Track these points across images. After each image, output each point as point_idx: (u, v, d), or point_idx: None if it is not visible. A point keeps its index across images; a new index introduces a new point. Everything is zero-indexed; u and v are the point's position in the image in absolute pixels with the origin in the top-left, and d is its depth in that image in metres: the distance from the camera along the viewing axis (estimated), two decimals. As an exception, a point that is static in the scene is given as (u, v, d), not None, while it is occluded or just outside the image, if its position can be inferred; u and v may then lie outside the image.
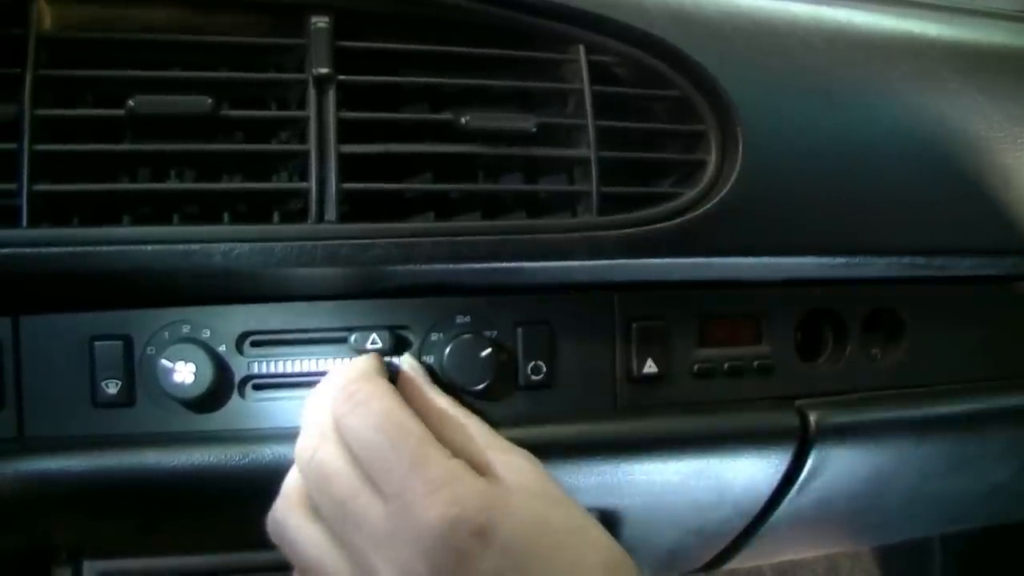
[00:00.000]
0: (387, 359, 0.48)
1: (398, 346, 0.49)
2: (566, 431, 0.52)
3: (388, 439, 0.40)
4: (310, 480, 0.42)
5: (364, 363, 0.46)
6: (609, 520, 0.60)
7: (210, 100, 0.45)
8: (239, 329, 0.48)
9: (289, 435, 0.48)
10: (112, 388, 0.46)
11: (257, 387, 0.49)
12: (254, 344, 0.49)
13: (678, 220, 0.50)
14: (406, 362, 0.48)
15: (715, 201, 0.51)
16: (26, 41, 0.44)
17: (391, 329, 0.49)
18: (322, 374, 0.48)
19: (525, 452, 0.44)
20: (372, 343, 0.49)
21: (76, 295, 0.46)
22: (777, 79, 0.54)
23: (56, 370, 0.47)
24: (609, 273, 0.51)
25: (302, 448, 0.43)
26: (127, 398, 0.47)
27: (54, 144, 0.44)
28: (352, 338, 0.49)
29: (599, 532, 0.42)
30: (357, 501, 0.40)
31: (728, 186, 0.51)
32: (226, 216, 0.47)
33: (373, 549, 0.39)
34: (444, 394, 0.47)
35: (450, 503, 0.38)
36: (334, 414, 0.42)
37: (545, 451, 0.52)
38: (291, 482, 0.44)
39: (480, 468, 0.41)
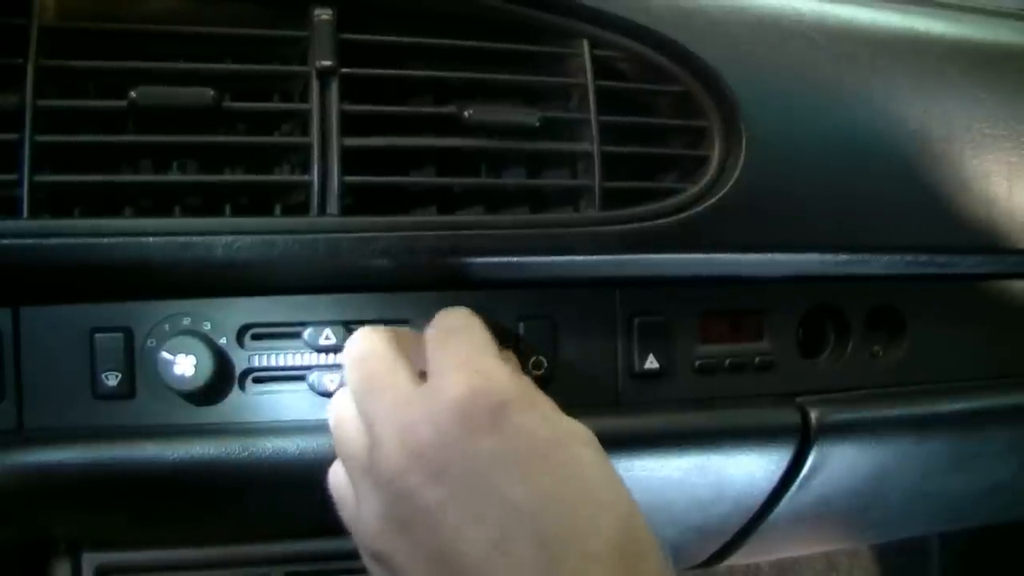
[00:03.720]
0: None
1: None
2: (567, 426, 0.52)
3: (450, 340, 0.43)
4: (353, 362, 0.43)
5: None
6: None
7: (212, 92, 0.45)
8: (240, 322, 0.48)
9: (289, 428, 0.48)
10: (112, 380, 0.46)
11: (257, 380, 0.49)
12: (255, 337, 0.48)
13: (680, 216, 0.50)
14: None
15: (718, 197, 0.51)
16: (28, 31, 0.44)
17: (346, 324, 0.49)
18: (322, 367, 0.48)
19: None
20: (326, 338, 0.49)
21: (77, 287, 0.46)
22: (781, 75, 0.54)
23: (56, 362, 0.46)
24: (611, 268, 0.51)
25: (351, 339, 0.44)
26: (127, 390, 0.47)
27: (56, 135, 0.44)
28: (306, 333, 0.49)
29: (622, 488, 0.41)
30: (387, 376, 0.41)
31: (731, 182, 0.51)
32: (228, 209, 0.47)
33: (385, 416, 0.40)
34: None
35: (477, 375, 0.39)
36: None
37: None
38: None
39: None
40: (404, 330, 0.47)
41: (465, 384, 0.39)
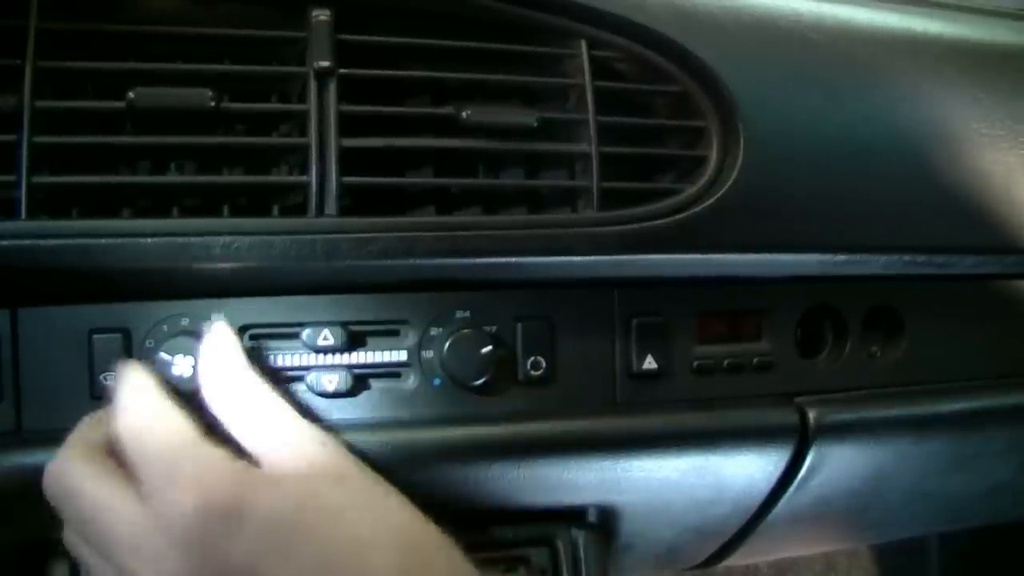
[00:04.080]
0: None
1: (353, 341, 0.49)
2: (565, 427, 0.52)
3: (150, 442, 0.40)
4: (59, 501, 0.42)
5: (135, 374, 0.44)
6: (607, 516, 0.60)
7: (211, 93, 0.45)
8: (238, 322, 0.48)
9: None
10: (111, 381, 0.46)
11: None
12: (253, 338, 0.48)
13: (678, 216, 0.50)
14: (216, 332, 0.45)
15: (716, 197, 0.51)
16: (26, 32, 0.44)
17: (344, 324, 0.48)
18: (320, 368, 0.48)
19: (314, 430, 0.44)
20: (324, 339, 0.48)
21: (75, 288, 0.46)
22: (779, 75, 0.54)
23: (54, 363, 0.46)
24: (609, 269, 0.51)
25: (48, 472, 0.42)
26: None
27: (54, 136, 0.44)
28: (304, 334, 0.48)
29: (394, 505, 0.41)
30: (109, 511, 0.40)
31: (729, 182, 0.51)
32: (226, 209, 0.47)
33: (130, 552, 0.39)
34: (248, 368, 0.45)
35: (196, 491, 0.38)
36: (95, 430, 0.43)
37: (544, 447, 0.52)
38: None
39: (252, 451, 0.42)
40: (96, 433, 0.43)
41: (188, 505, 0.38)
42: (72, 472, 0.41)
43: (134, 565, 0.39)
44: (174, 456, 0.40)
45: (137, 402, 0.42)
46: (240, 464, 0.40)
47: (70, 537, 0.43)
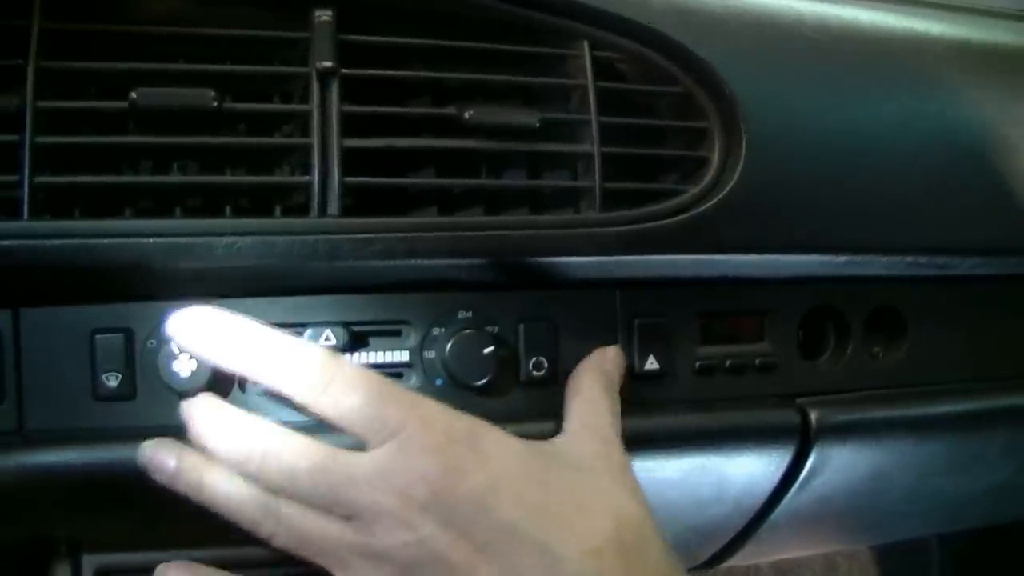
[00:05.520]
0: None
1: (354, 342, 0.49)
2: (567, 427, 0.52)
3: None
4: (283, 466, 0.41)
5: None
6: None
7: (213, 93, 0.45)
8: (240, 323, 0.48)
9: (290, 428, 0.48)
10: (113, 381, 0.46)
11: (258, 381, 0.49)
12: (255, 338, 0.48)
13: (681, 217, 0.50)
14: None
15: (718, 198, 0.51)
16: (29, 32, 0.44)
17: (346, 325, 0.48)
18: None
19: None
20: (326, 339, 0.48)
21: (77, 288, 0.46)
22: (781, 76, 0.54)
23: (57, 363, 0.46)
24: (611, 269, 0.51)
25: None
26: (128, 391, 0.47)
27: (56, 136, 0.44)
28: (306, 334, 0.48)
29: (611, 482, 0.43)
30: (339, 457, 0.40)
31: (731, 183, 0.51)
32: (228, 209, 0.47)
33: (367, 490, 0.39)
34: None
35: (439, 414, 0.40)
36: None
37: (546, 447, 0.52)
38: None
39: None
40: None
41: (431, 431, 0.39)
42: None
43: (379, 500, 0.39)
44: (407, 399, 0.41)
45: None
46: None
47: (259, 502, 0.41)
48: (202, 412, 0.43)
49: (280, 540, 0.41)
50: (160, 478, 0.43)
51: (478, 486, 0.38)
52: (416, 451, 0.39)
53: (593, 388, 0.48)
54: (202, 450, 0.42)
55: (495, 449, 0.40)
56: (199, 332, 0.42)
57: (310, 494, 0.40)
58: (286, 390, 0.41)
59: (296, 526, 0.40)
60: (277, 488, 0.41)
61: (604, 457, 0.45)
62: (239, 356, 0.42)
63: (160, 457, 0.43)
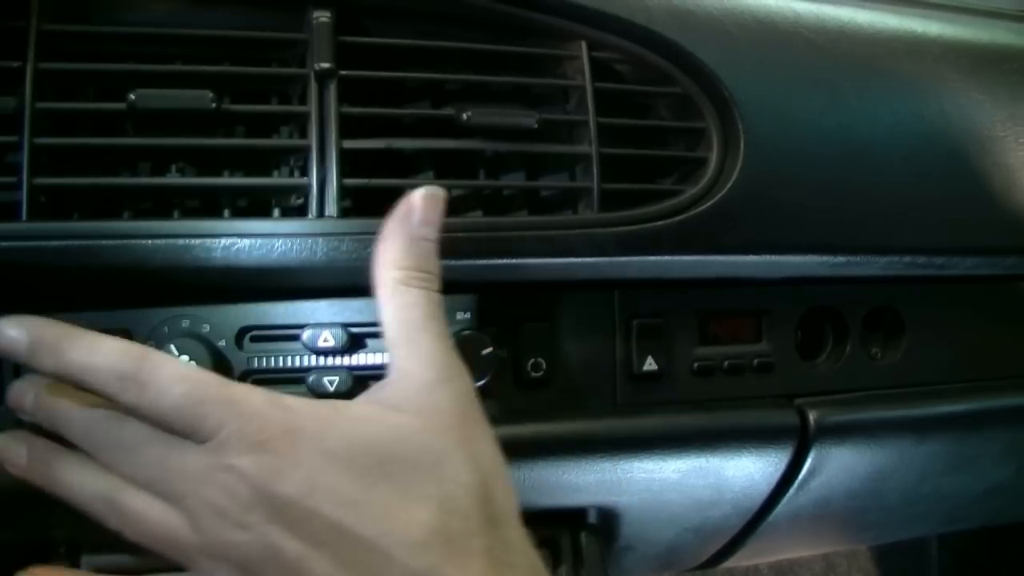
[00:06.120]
0: None
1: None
2: (565, 428, 0.52)
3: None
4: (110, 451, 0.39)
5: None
6: (608, 517, 0.60)
7: (211, 94, 0.45)
8: (239, 324, 0.48)
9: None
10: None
11: (257, 382, 0.48)
12: (254, 339, 0.48)
13: (679, 217, 0.50)
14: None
15: (716, 199, 0.51)
16: (27, 34, 0.44)
17: (344, 326, 0.48)
18: (321, 369, 0.48)
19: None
20: (324, 340, 0.48)
21: (75, 291, 0.46)
22: (779, 77, 0.54)
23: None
24: (610, 270, 0.51)
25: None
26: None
27: (55, 137, 0.44)
28: (305, 335, 0.48)
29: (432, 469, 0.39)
30: (175, 449, 0.38)
31: (729, 184, 0.51)
32: (226, 211, 0.47)
33: (197, 489, 0.37)
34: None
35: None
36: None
37: (544, 448, 0.52)
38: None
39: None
40: None
41: (246, 431, 0.37)
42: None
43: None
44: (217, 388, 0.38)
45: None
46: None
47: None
48: (55, 393, 0.41)
49: (129, 535, 0.40)
50: (15, 471, 0.41)
51: (296, 488, 0.37)
52: (232, 451, 0.37)
53: (409, 308, 0.42)
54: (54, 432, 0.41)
55: (310, 446, 0.37)
56: (18, 338, 0.40)
57: (150, 484, 0.39)
58: (106, 388, 0.39)
59: (141, 521, 0.39)
60: (120, 474, 0.39)
61: (432, 419, 0.40)
62: (56, 356, 0.39)
63: (12, 449, 0.41)
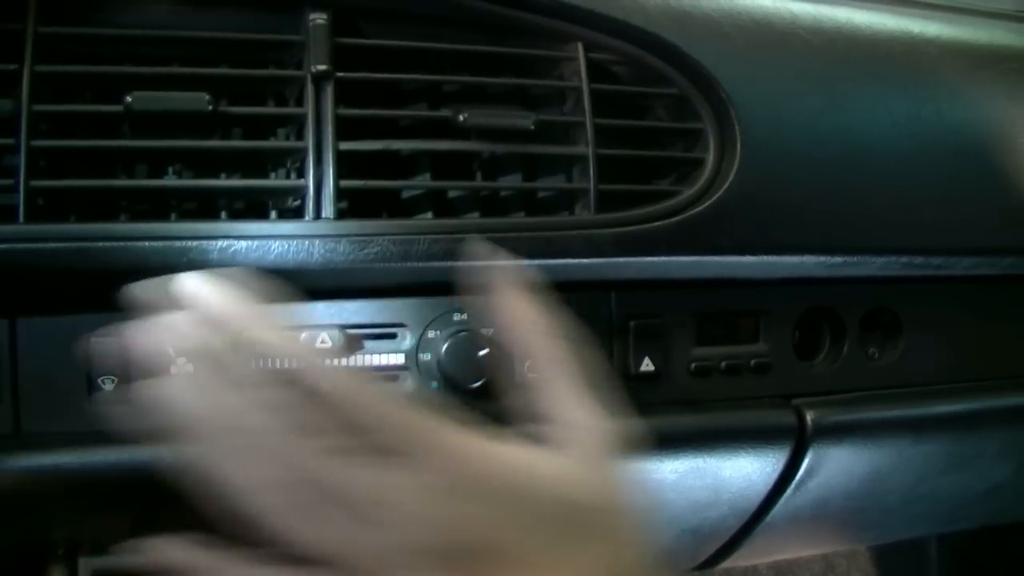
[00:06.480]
0: None
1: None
2: (563, 429, 0.52)
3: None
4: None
5: None
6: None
7: (208, 96, 0.45)
8: (236, 326, 0.48)
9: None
10: (108, 384, 0.46)
11: (254, 384, 0.49)
12: (251, 341, 0.48)
13: (676, 218, 0.50)
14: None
15: (713, 199, 0.51)
16: (24, 36, 0.44)
17: (341, 328, 0.48)
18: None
19: None
20: (321, 342, 0.48)
21: (73, 293, 0.46)
22: (776, 77, 0.55)
23: (53, 365, 0.46)
24: (606, 271, 0.51)
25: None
26: (124, 394, 0.47)
27: (51, 140, 0.44)
28: (302, 337, 0.48)
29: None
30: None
31: (726, 184, 0.51)
32: (223, 213, 0.47)
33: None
34: None
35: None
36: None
37: (542, 449, 0.52)
38: None
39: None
40: None
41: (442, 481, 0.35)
42: None
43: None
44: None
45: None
46: None
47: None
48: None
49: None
50: None
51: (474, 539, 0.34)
52: (424, 492, 0.35)
53: (573, 383, 0.42)
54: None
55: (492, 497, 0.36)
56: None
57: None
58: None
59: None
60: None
61: (597, 488, 0.40)
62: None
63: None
